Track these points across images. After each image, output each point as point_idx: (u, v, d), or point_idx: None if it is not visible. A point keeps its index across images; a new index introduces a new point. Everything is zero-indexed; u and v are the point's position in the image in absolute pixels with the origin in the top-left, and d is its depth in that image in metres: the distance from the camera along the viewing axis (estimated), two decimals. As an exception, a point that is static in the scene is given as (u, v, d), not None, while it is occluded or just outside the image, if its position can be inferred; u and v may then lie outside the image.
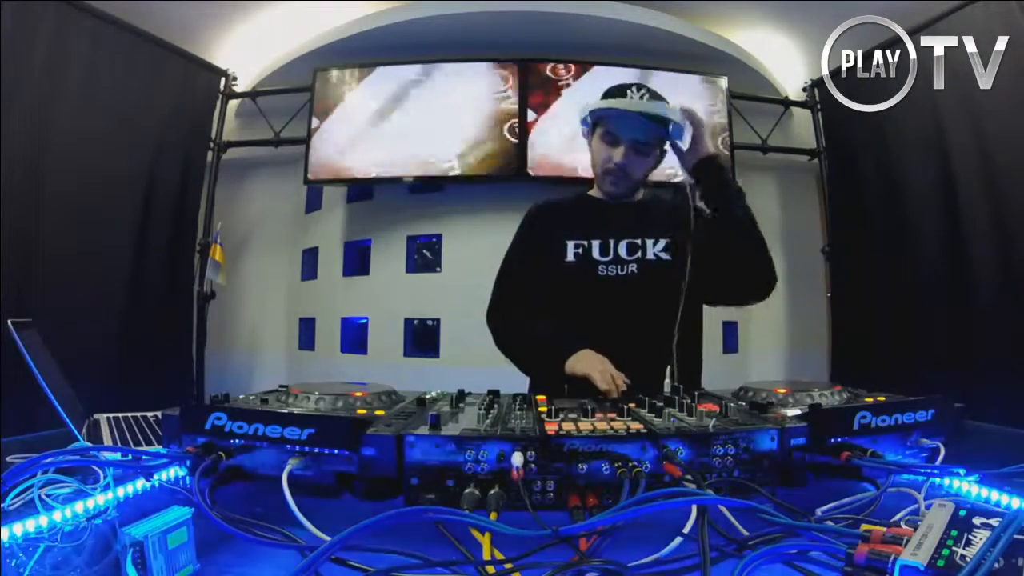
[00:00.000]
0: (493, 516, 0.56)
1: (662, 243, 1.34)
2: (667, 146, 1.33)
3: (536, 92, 3.34)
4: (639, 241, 1.34)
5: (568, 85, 3.38)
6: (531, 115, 3.32)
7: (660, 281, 1.31)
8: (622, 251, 1.34)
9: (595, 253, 1.35)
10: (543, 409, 0.79)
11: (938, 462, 0.72)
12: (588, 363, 1.16)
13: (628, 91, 1.28)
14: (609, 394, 1.07)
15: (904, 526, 0.46)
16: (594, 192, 1.45)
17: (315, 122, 3.46)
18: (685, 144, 1.30)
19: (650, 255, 1.34)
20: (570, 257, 1.35)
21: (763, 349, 3.74)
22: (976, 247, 2.65)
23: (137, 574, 0.51)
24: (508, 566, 0.50)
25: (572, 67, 3.40)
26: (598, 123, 1.34)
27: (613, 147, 1.31)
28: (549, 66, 3.38)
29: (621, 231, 1.35)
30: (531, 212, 1.47)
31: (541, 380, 1.39)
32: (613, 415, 0.77)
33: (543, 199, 1.49)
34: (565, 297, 1.34)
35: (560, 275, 1.35)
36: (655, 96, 1.29)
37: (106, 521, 0.53)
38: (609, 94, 1.32)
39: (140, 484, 0.63)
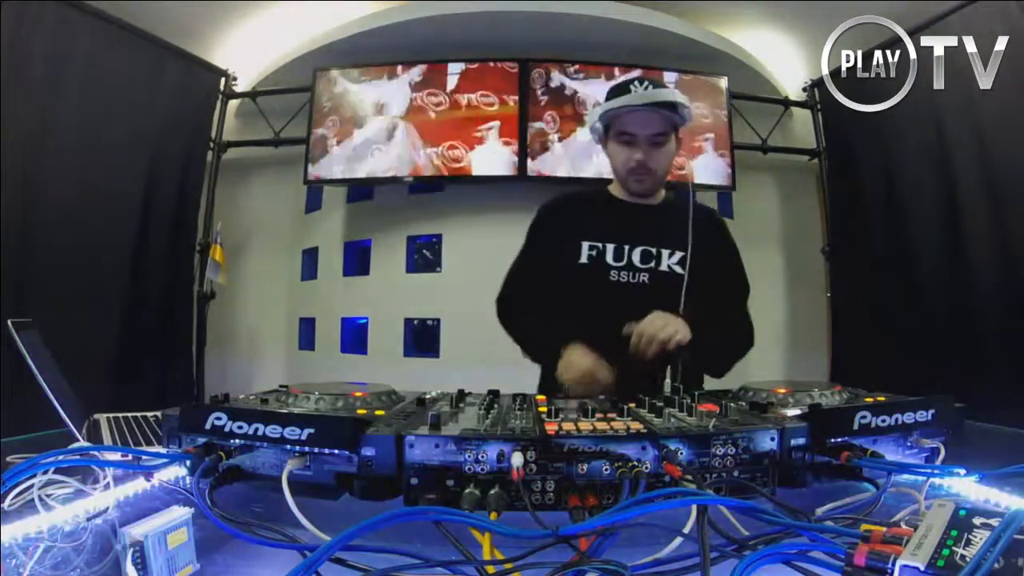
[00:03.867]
0: (493, 516, 0.56)
1: (677, 256, 1.33)
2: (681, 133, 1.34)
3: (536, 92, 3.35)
4: (654, 251, 1.33)
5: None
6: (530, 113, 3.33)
7: (671, 294, 1.29)
8: (636, 258, 1.33)
9: (609, 257, 1.33)
10: (543, 409, 0.79)
11: (938, 462, 0.72)
12: (573, 372, 1.15)
13: (631, 86, 1.27)
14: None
15: (904, 526, 0.46)
16: (614, 189, 1.42)
17: (315, 122, 3.47)
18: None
19: (664, 267, 1.33)
20: (583, 259, 1.34)
21: (763, 349, 3.72)
22: (976, 247, 2.65)
23: (137, 574, 0.51)
24: (508, 566, 0.49)
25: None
26: (610, 126, 1.32)
27: (631, 146, 1.30)
28: (549, 66, 3.39)
29: (638, 237, 1.34)
30: (545, 209, 1.45)
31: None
32: (613, 415, 0.77)
33: (558, 195, 1.47)
34: (575, 299, 1.33)
35: (573, 276, 1.33)
36: (658, 85, 1.29)
37: (106, 521, 0.53)
38: (614, 93, 1.30)
39: (140, 484, 0.63)
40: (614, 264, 1.33)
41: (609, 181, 1.45)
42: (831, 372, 3.60)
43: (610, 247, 1.33)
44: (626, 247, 1.33)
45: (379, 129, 3.40)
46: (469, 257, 3.35)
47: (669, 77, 3.43)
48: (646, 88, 1.26)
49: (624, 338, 1.18)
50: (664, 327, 1.13)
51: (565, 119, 3.33)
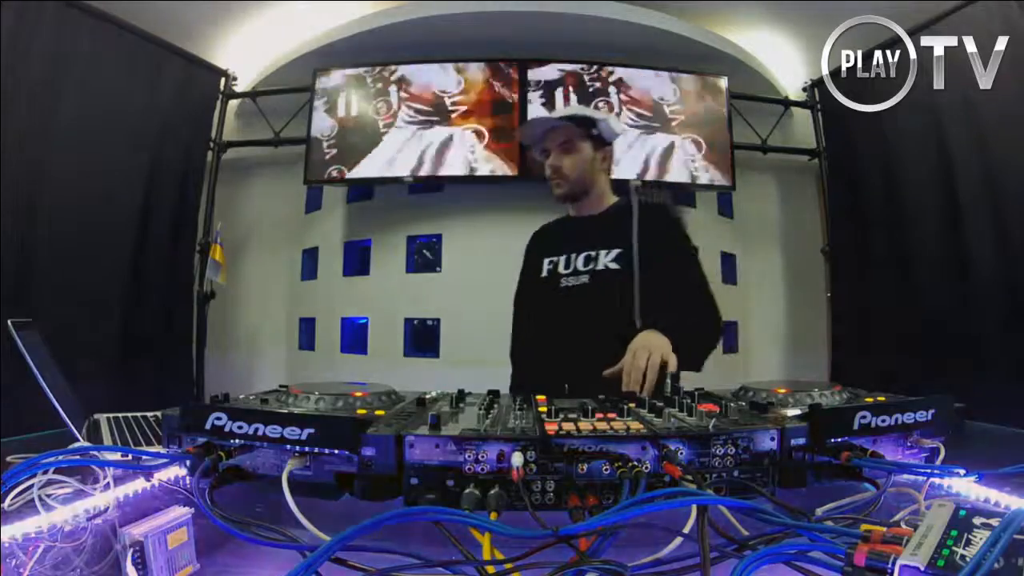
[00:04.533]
0: (493, 516, 0.56)
1: (613, 253, 1.42)
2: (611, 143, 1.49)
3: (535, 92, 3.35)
4: (594, 253, 1.43)
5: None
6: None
7: (609, 289, 1.38)
8: (579, 263, 1.44)
9: (560, 267, 1.45)
10: (543, 409, 0.79)
11: (938, 462, 0.72)
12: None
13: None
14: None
15: (904, 526, 0.46)
16: (571, 210, 1.57)
17: (315, 122, 3.47)
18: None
19: (601, 265, 1.42)
20: (544, 273, 1.47)
21: (763, 349, 3.74)
22: (976, 247, 2.65)
23: (137, 574, 0.51)
24: (508, 566, 0.50)
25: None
26: (536, 148, 1.51)
27: (545, 157, 1.48)
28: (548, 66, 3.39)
29: (581, 245, 1.46)
30: (531, 237, 1.64)
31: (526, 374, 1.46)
32: (613, 415, 0.77)
33: (544, 224, 1.64)
34: (539, 309, 1.45)
35: (537, 291, 1.47)
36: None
37: (106, 521, 0.53)
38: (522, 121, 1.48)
39: (140, 484, 0.62)
40: (564, 272, 1.44)
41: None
42: (831, 372, 3.60)
43: (561, 259, 1.46)
44: (572, 255, 1.45)
45: (379, 129, 3.40)
46: (469, 257, 3.35)
47: (666, 76, 3.43)
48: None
49: (574, 343, 1.29)
50: (648, 358, 1.14)
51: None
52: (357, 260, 3.70)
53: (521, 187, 3.21)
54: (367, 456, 0.65)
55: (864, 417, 0.71)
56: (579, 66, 3.42)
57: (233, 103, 3.79)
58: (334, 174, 3.44)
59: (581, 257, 1.43)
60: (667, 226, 1.48)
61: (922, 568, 0.39)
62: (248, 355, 3.87)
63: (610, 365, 1.19)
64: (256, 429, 0.66)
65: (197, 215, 3.53)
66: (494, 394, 0.95)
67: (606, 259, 1.41)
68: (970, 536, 0.42)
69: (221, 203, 3.70)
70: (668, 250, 1.43)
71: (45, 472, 0.56)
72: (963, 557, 0.40)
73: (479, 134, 3.32)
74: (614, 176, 1.58)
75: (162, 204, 3.24)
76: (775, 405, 0.83)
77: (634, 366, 1.13)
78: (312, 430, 0.65)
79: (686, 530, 0.52)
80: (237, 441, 0.67)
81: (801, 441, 0.69)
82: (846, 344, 3.53)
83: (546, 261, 1.48)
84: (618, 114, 3.38)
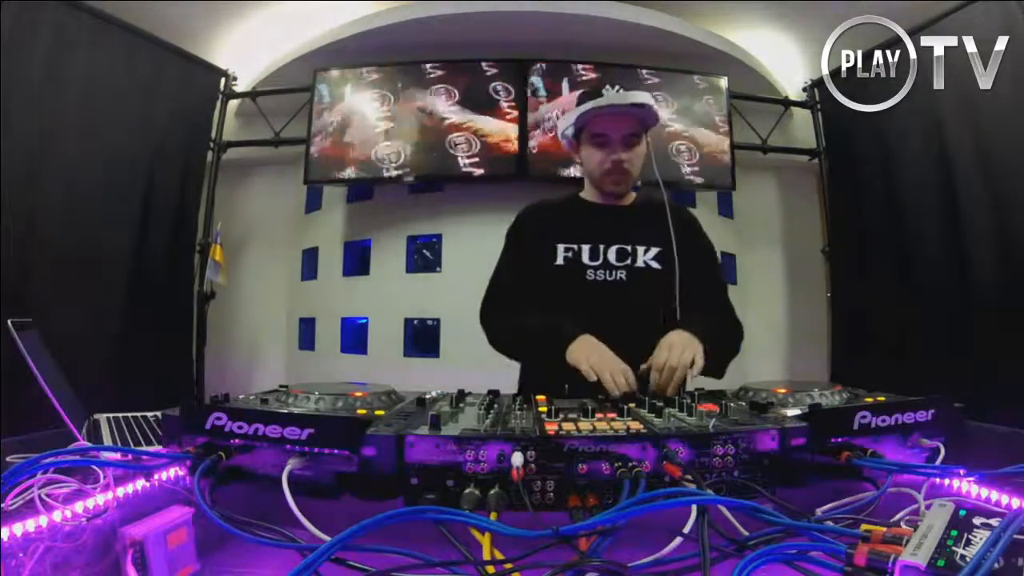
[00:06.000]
0: (493, 516, 0.56)
1: (653, 251, 1.35)
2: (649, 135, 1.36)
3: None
4: (629, 248, 1.35)
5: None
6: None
7: (649, 289, 1.32)
8: (611, 257, 1.35)
9: (585, 257, 1.35)
10: (543, 409, 0.79)
11: (938, 462, 0.72)
12: (597, 360, 1.13)
13: (603, 90, 1.33)
14: (611, 393, 1.07)
15: (904, 526, 0.46)
16: (585, 194, 1.45)
17: (315, 122, 3.47)
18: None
19: (640, 263, 1.35)
20: (560, 260, 1.35)
21: (763, 349, 3.74)
22: (976, 247, 2.65)
23: (137, 574, 0.51)
24: (508, 566, 0.49)
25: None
26: (582, 129, 1.35)
27: (606, 147, 1.32)
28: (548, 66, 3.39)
29: (612, 236, 1.36)
30: (521, 215, 1.48)
31: (533, 373, 1.40)
32: (613, 415, 0.77)
33: (533, 202, 1.50)
34: (553, 299, 1.34)
35: (549, 277, 1.35)
36: (628, 90, 1.37)
37: (106, 521, 0.53)
38: (587, 97, 1.33)
39: (140, 484, 0.62)
40: (590, 264, 1.35)
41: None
42: (831, 372, 3.61)
43: (585, 248, 1.35)
44: (601, 247, 1.35)
45: (379, 129, 3.40)
46: (469, 257, 3.35)
47: (669, 77, 3.43)
48: (617, 91, 1.34)
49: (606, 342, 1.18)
50: (681, 355, 1.12)
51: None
52: (357, 260, 3.70)
53: (521, 187, 3.21)
54: (367, 456, 0.65)
55: (864, 417, 0.71)
56: (580, 66, 3.42)
57: (233, 103, 3.79)
58: (334, 174, 3.44)
59: (613, 250, 1.34)
60: (692, 227, 1.43)
61: (922, 568, 0.39)
62: (248, 355, 3.87)
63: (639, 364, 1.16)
64: (256, 429, 0.66)
65: (197, 215, 3.54)
66: (494, 394, 0.95)
67: (646, 256, 1.34)
68: (970, 536, 0.42)
69: (221, 203, 3.71)
70: (698, 252, 1.39)
71: (45, 472, 0.56)
72: (963, 557, 0.40)
73: (479, 134, 3.32)
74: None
75: (162, 204, 3.25)
76: (775, 405, 0.83)
77: (667, 363, 1.11)
78: (312, 430, 0.65)
79: (686, 530, 0.52)
80: (237, 441, 0.67)
81: (801, 441, 0.69)
82: (846, 344, 3.54)
83: (561, 247, 1.35)
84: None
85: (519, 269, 1.41)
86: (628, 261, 1.34)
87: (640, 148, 1.34)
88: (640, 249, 1.35)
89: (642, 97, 1.30)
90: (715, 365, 1.26)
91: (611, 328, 1.24)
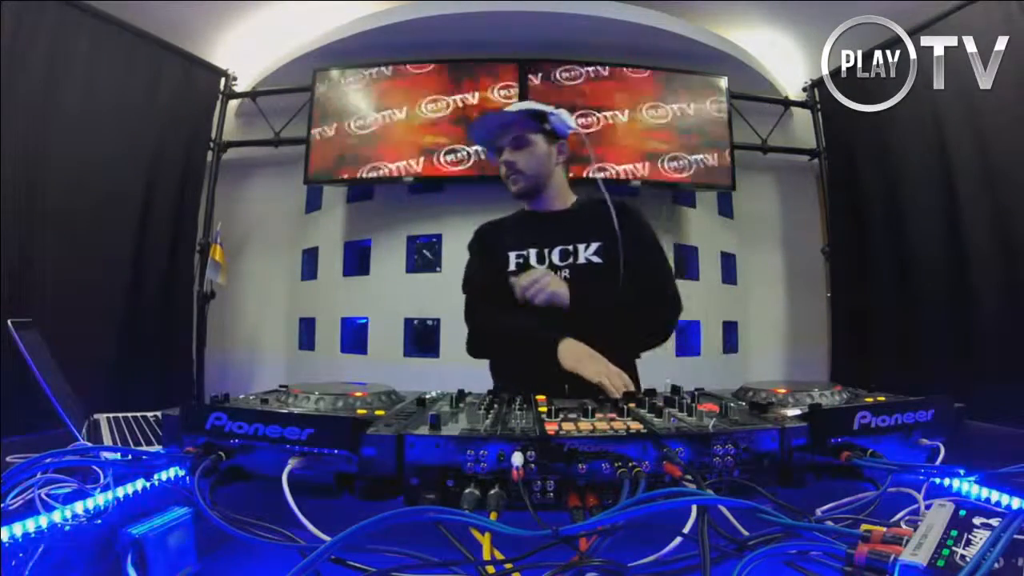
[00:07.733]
0: (493, 516, 0.56)
1: (593, 247, 1.41)
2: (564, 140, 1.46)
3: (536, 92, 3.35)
4: (571, 247, 1.42)
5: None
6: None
7: (593, 282, 1.37)
8: (555, 258, 1.42)
9: (532, 261, 1.43)
10: (543, 409, 0.79)
11: (938, 462, 0.72)
12: (600, 366, 1.21)
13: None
14: (612, 395, 1.09)
15: (904, 526, 0.46)
16: (530, 206, 1.55)
17: (315, 122, 3.46)
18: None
19: (582, 259, 1.40)
20: (512, 267, 1.44)
21: (763, 349, 3.74)
22: (976, 247, 2.65)
23: (137, 574, 0.51)
24: (508, 566, 0.49)
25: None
26: (487, 146, 1.49)
27: (500, 154, 1.44)
28: (548, 66, 3.39)
29: (554, 239, 1.43)
30: (478, 232, 1.61)
31: (503, 368, 1.46)
32: (613, 415, 0.77)
33: (488, 220, 1.63)
34: (510, 303, 1.38)
35: (505, 283, 1.41)
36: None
37: (106, 521, 0.53)
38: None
39: (140, 484, 0.62)
40: (537, 266, 1.42)
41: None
42: (831, 372, 3.61)
43: (532, 252, 1.44)
44: (546, 250, 1.43)
45: (379, 128, 3.40)
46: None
47: (666, 76, 3.43)
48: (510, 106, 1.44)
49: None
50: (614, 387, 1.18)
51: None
52: (357, 260, 3.70)
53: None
54: (367, 456, 0.65)
55: (864, 417, 0.71)
56: (579, 66, 3.42)
57: (233, 103, 3.79)
58: (334, 174, 3.44)
59: (556, 251, 1.42)
60: (638, 223, 1.48)
61: (922, 568, 0.39)
62: (248, 355, 3.87)
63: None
64: (256, 429, 0.66)
65: (197, 215, 3.54)
66: (494, 394, 0.95)
67: (586, 253, 1.40)
68: (970, 536, 0.42)
69: (221, 203, 3.71)
70: (643, 246, 1.43)
71: (45, 472, 0.55)
72: (963, 557, 0.40)
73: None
74: (602, 176, 1.58)
75: (162, 204, 3.25)
76: (775, 405, 0.83)
77: (614, 382, 1.17)
78: (312, 430, 0.65)
79: (686, 530, 0.52)
80: (237, 441, 0.67)
81: (801, 441, 0.69)
82: (846, 344, 3.54)
83: (513, 255, 1.45)
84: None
85: (483, 278, 1.51)
86: (570, 260, 1.41)
87: (533, 148, 1.42)
88: (581, 247, 1.41)
89: (526, 105, 1.45)
90: (644, 331, 1.39)
91: (561, 324, 1.31)
